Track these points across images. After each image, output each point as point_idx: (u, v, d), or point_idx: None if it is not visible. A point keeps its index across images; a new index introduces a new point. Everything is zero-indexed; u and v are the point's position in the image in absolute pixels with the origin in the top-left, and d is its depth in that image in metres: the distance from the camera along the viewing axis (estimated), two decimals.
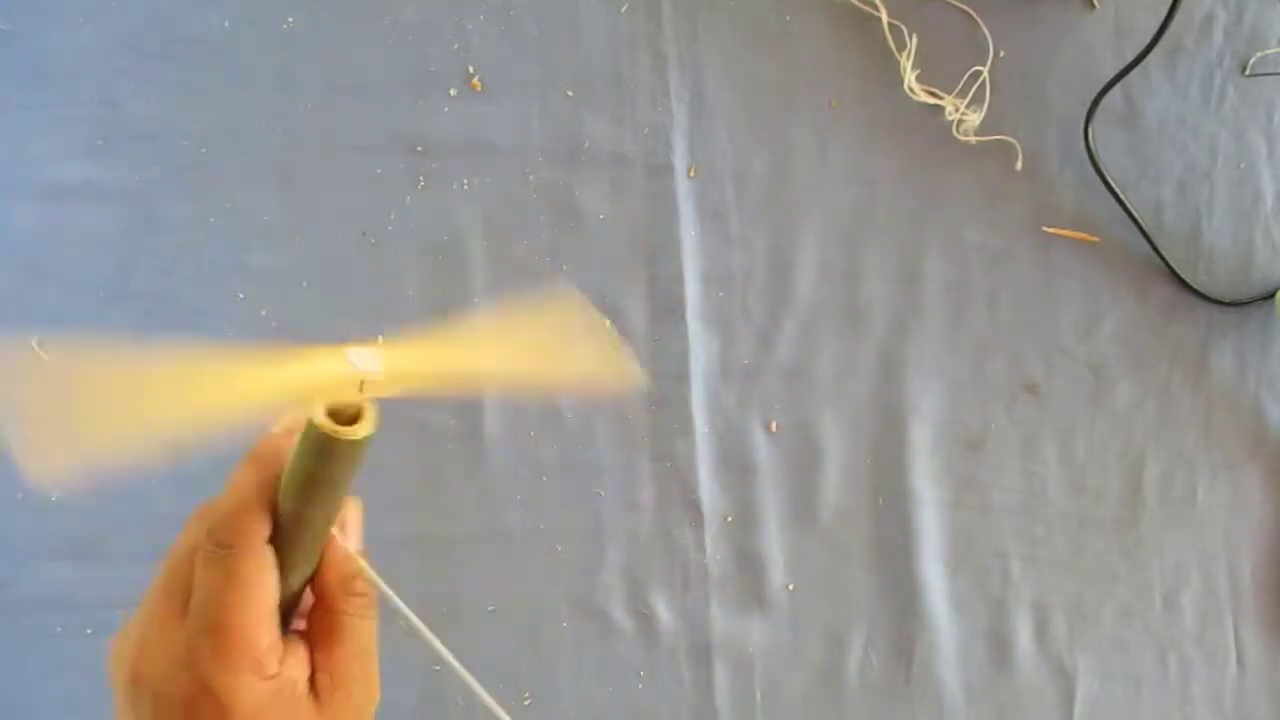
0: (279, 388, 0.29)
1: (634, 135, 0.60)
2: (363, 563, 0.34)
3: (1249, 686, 0.61)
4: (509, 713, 0.57)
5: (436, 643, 0.34)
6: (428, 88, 0.60)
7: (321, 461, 0.31)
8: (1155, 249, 0.61)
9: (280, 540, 0.33)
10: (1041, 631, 0.60)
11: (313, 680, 0.33)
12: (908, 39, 0.60)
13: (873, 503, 0.60)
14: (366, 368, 0.30)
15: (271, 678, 0.32)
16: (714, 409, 0.60)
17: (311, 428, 0.30)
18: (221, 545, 0.32)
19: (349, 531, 0.36)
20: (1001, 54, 0.61)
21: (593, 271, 0.60)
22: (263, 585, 0.32)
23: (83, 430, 0.29)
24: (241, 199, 0.59)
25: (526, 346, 0.33)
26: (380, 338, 0.59)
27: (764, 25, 0.61)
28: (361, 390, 0.30)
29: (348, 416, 0.31)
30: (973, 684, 0.60)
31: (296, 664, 0.33)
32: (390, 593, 0.34)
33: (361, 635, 0.35)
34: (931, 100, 0.60)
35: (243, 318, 0.59)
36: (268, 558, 0.32)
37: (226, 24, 0.60)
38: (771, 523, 0.60)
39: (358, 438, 0.30)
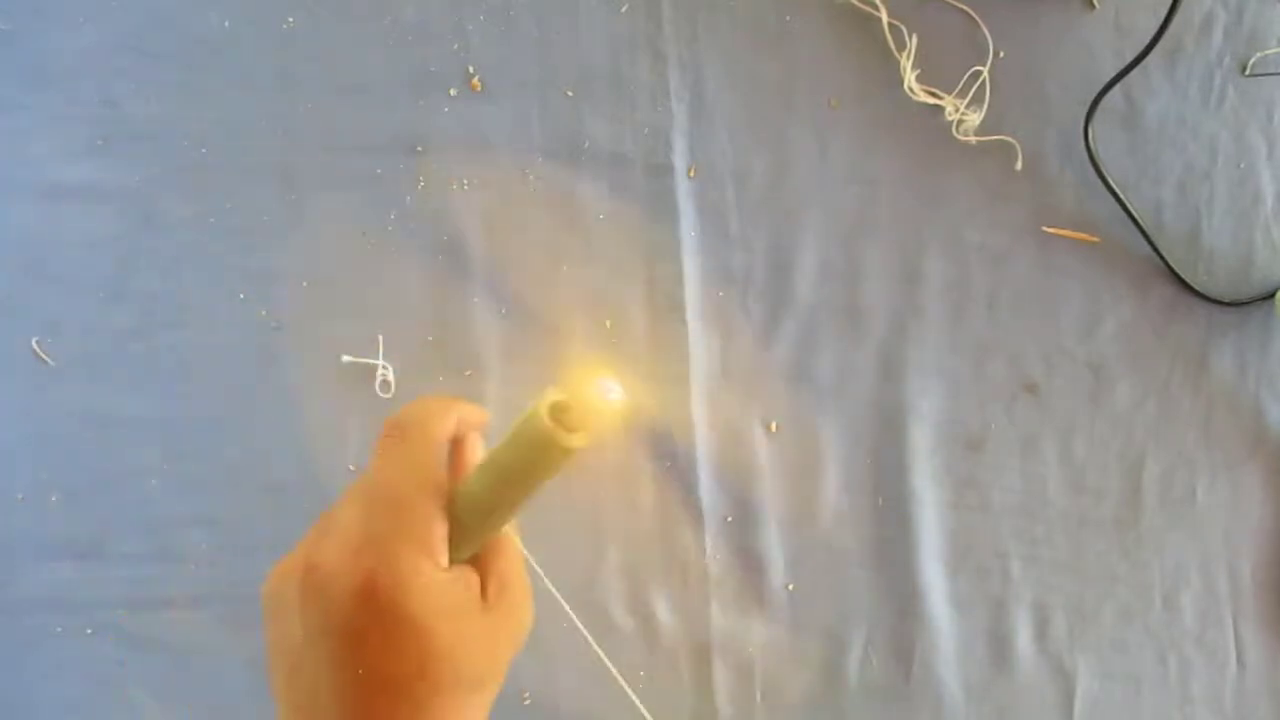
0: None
1: (634, 135, 0.60)
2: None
3: (1249, 686, 0.61)
4: (509, 713, 0.57)
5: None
6: (428, 88, 0.60)
7: (527, 454, 0.32)
8: (1155, 249, 0.61)
9: (455, 521, 0.34)
10: (1041, 631, 0.60)
11: (483, 587, 0.34)
12: (908, 39, 0.60)
13: (873, 503, 0.60)
14: (611, 399, 0.32)
15: (446, 568, 0.33)
16: (714, 409, 0.60)
17: (532, 419, 0.32)
18: (402, 431, 0.34)
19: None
20: (1001, 54, 0.61)
21: (593, 271, 0.60)
22: (439, 477, 0.33)
23: None
24: (241, 199, 0.59)
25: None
26: (381, 336, 0.59)
27: (764, 25, 0.61)
28: (594, 415, 0.32)
29: (566, 424, 0.32)
30: (973, 684, 0.60)
31: (468, 570, 0.34)
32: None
33: (519, 551, 0.36)
34: (931, 100, 0.60)
35: (243, 318, 0.59)
36: (444, 454, 0.34)
37: (226, 24, 0.60)
38: (771, 523, 0.60)
39: (572, 445, 0.32)
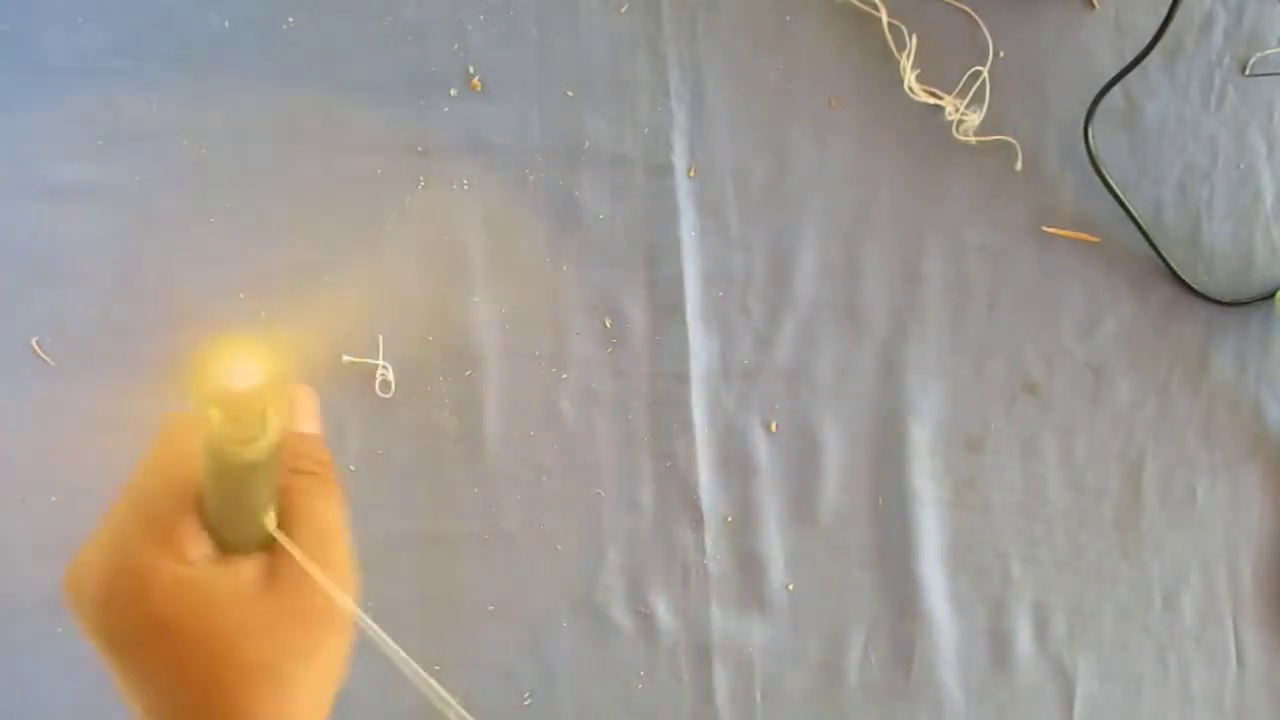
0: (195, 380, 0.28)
1: (634, 135, 0.60)
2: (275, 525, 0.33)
3: (1249, 686, 0.61)
4: (509, 713, 0.57)
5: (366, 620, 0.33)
6: (428, 88, 0.60)
7: (222, 470, 0.30)
8: (1155, 249, 0.61)
9: (206, 516, 0.32)
10: (1041, 631, 0.60)
11: (268, 568, 0.33)
12: (908, 39, 0.60)
13: (873, 503, 0.60)
14: (244, 377, 0.27)
15: (191, 563, 0.32)
16: (714, 409, 0.60)
17: (208, 440, 0.29)
18: (158, 434, 0.33)
19: (299, 415, 0.36)
20: (1001, 54, 0.61)
21: (593, 271, 0.60)
22: (184, 478, 0.32)
23: None
24: (241, 199, 0.59)
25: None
26: (381, 336, 0.59)
27: (764, 25, 0.61)
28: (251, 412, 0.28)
29: (250, 427, 0.28)
30: (973, 684, 0.60)
31: (243, 561, 0.32)
32: (297, 551, 0.32)
33: (316, 516, 0.33)
34: (931, 100, 0.60)
35: (243, 318, 0.59)
36: (191, 460, 0.32)
37: (226, 24, 0.60)
38: (771, 523, 0.60)
39: (248, 460, 0.29)
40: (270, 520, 0.32)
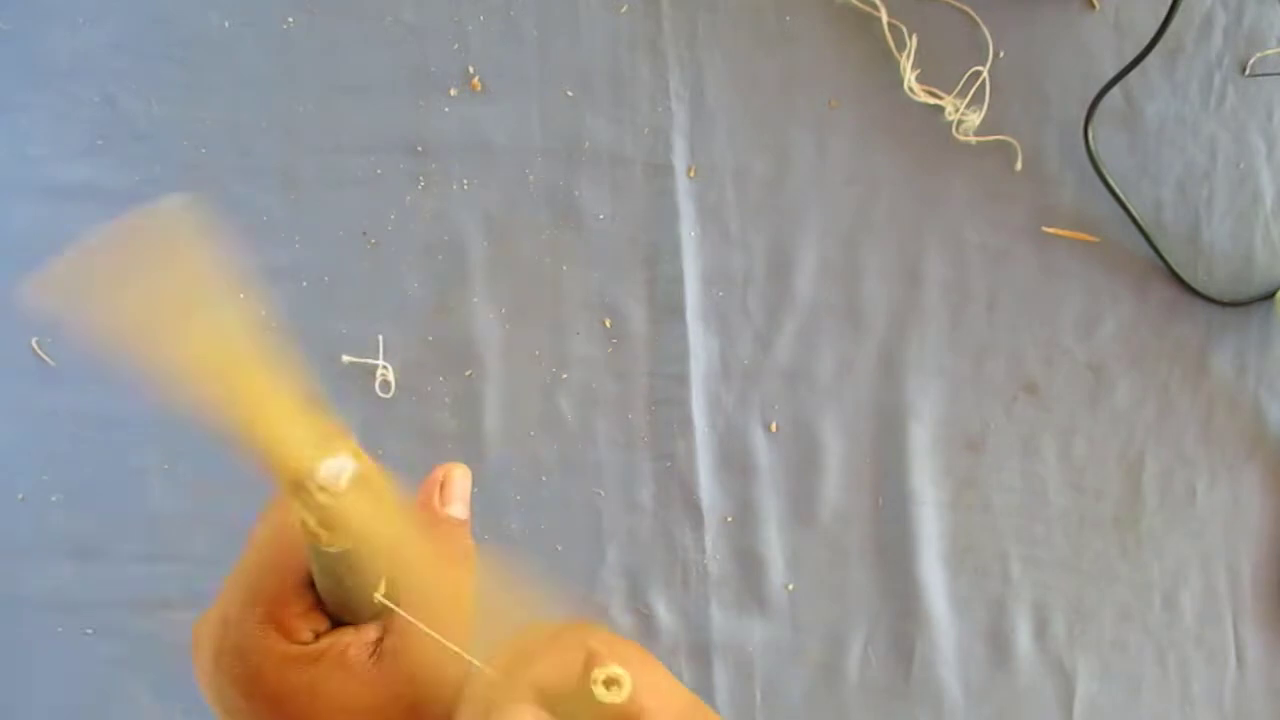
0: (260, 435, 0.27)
1: (634, 135, 0.60)
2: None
3: (1249, 686, 0.61)
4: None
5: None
6: (428, 88, 0.60)
7: (321, 558, 0.30)
8: (1155, 249, 0.61)
9: (320, 594, 0.33)
10: (1041, 631, 0.60)
11: (381, 644, 0.33)
12: (908, 39, 0.60)
13: (873, 503, 0.60)
14: (334, 477, 0.26)
15: (302, 643, 0.32)
16: (714, 409, 0.60)
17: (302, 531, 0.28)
18: (271, 506, 0.33)
19: (447, 496, 0.36)
20: (1001, 54, 0.61)
21: (593, 271, 0.60)
22: (294, 554, 0.32)
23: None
24: (241, 199, 0.59)
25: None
26: (381, 336, 0.59)
27: (764, 25, 0.61)
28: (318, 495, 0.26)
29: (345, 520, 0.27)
30: (973, 684, 0.60)
31: (352, 633, 0.33)
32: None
33: (447, 603, 0.34)
34: (931, 100, 0.60)
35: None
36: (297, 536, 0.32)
37: (226, 24, 0.60)
38: (771, 523, 0.60)
39: (334, 549, 0.28)
40: (380, 594, 0.32)
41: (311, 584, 0.33)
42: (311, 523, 0.27)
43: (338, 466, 0.26)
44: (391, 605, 0.32)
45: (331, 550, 0.28)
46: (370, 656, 0.33)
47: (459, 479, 0.38)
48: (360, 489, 0.27)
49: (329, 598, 0.33)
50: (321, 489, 0.26)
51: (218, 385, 0.27)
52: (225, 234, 0.28)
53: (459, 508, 0.37)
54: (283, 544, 0.33)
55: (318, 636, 0.33)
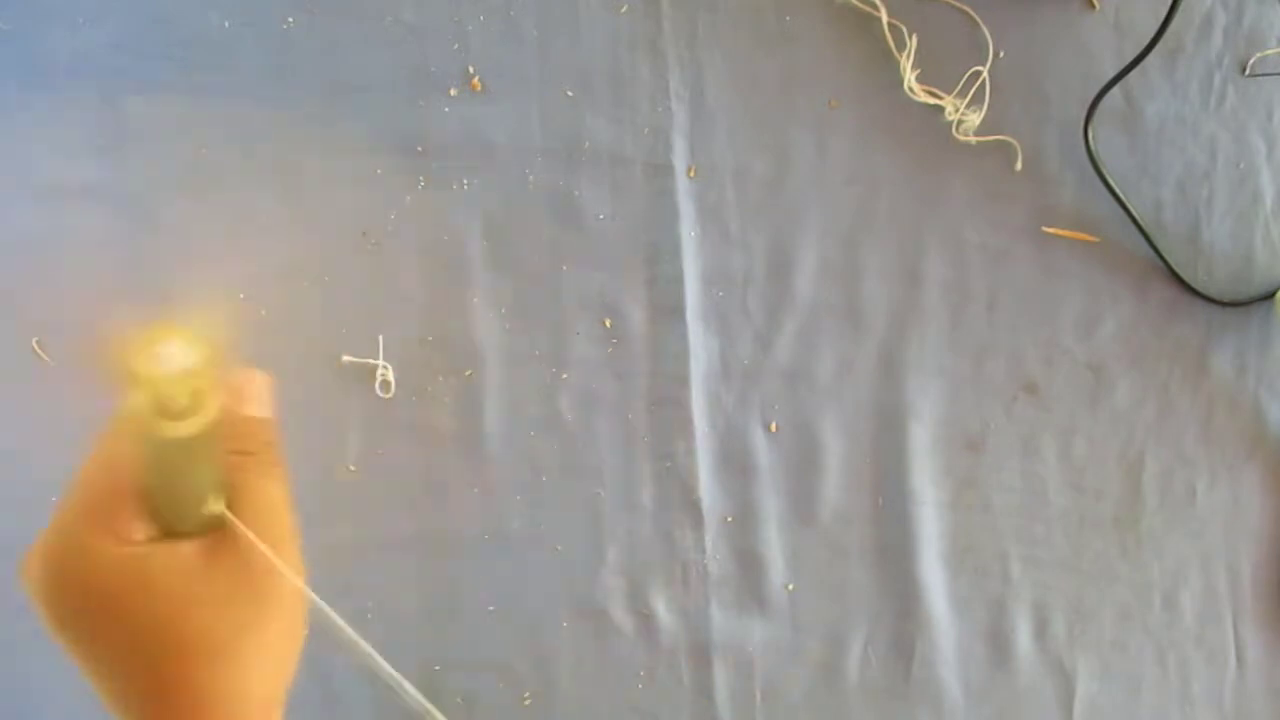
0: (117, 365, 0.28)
1: (634, 135, 0.60)
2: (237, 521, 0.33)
3: (1249, 686, 0.61)
4: (509, 713, 0.57)
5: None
6: (428, 88, 0.60)
7: (154, 449, 0.31)
8: (1155, 249, 0.61)
9: (150, 500, 0.33)
10: (1041, 631, 0.60)
11: (210, 545, 0.33)
12: (908, 39, 0.60)
13: (873, 503, 0.60)
14: (169, 360, 0.28)
15: (132, 543, 0.32)
16: (714, 409, 0.60)
17: (138, 419, 0.29)
18: (113, 419, 0.33)
19: (246, 397, 0.36)
20: (1001, 54, 0.61)
21: (593, 271, 0.60)
22: (124, 464, 0.32)
23: None
24: (241, 199, 0.59)
25: None
26: (381, 336, 0.59)
27: (764, 25, 0.61)
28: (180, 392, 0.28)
29: (181, 406, 0.29)
30: (973, 684, 0.60)
31: (177, 542, 0.33)
32: (248, 537, 0.33)
33: (259, 494, 0.34)
34: (931, 100, 0.60)
35: (243, 318, 0.59)
36: (129, 448, 0.32)
37: (226, 24, 0.60)
38: (771, 523, 0.60)
39: (175, 437, 0.29)
40: (213, 501, 0.33)
41: (140, 494, 0.33)
42: (148, 408, 0.28)
43: (172, 350, 0.28)
44: (228, 515, 0.33)
45: (169, 438, 0.29)
46: (202, 553, 0.33)
47: (257, 380, 0.38)
48: (195, 375, 0.28)
49: (161, 502, 0.33)
50: (159, 374, 0.28)
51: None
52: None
53: (259, 407, 0.37)
54: (113, 452, 0.33)
55: (149, 541, 0.33)
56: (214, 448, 0.32)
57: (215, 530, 0.33)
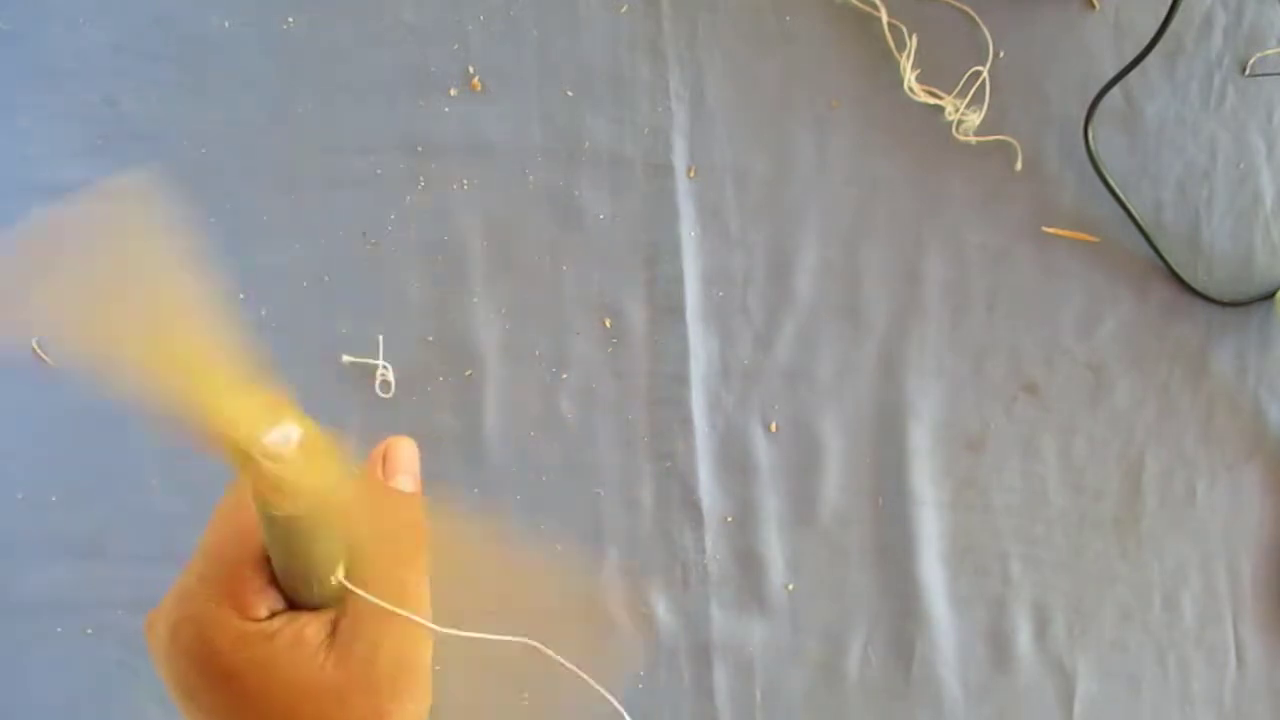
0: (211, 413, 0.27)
1: (634, 135, 0.60)
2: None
3: (1249, 686, 0.61)
4: (509, 713, 0.57)
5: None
6: (428, 88, 0.60)
7: (272, 525, 0.30)
8: (1155, 249, 0.61)
9: (276, 573, 0.32)
10: (1041, 631, 0.60)
11: (338, 625, 0.32)
12: (908, 39, 0.60)
13: (873, 503, 0.60)
14: (280, 444, 0.27)
15: (256, 619, 0.31)
16: (714, 409, 0.60)
17: (254, 496, 0.28)
18: (230, 488, 0.33)
19: (392, 469, 0.35)
20: (1001, 54, 0.61)
21: (593, 271, 0.60)
22: (251, 532, 0.31)
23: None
24: (241, 199, 0.59)
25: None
26: (381, 336, 0.59)
27: (764, 25, 0.61)
28: (269, 459, 0.27)
29: (294, 483, 0.28)
30: (973, 684, 0.60)
31: (309, 615, 0.32)
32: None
33: (394, 585, 0.32)
34: (931, 100, 0.60)
35: (243, 318, 0.59)
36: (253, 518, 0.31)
37: (226, 24, 0.60)
38: (771, 523, 0.60)
39: (296, 513, 0.28)
40: (339, 576, 0.32)
41: (268, 561, 0.32)
42: (262, 489, 0.27)
43: (283, 433, 0.27)
44: (349, 585, 0.31)
45: (282, 515, 0.28)
46: (327, 637, 0.32)
47: (403, 450, 0.36)
48: (307, 455, 0.27)
49: (283, 574, 0.32)
50: (268, 456, 0.26)
51: (159, 362, 0.27)
52: (178, 209, 0.28)
53: (405, 480, 0.36)
54: (240, 520, 0.32)
55: (273, 616, 0.32)
56: (337, 523, 0.30)
57: (344, 605, 0.32)
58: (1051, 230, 0.61)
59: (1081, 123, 0.60)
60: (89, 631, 0.58)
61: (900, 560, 0.60)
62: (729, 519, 0.60)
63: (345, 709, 0.31)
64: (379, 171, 0.60)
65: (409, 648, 0.32)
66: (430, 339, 0.59)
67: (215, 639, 0.31)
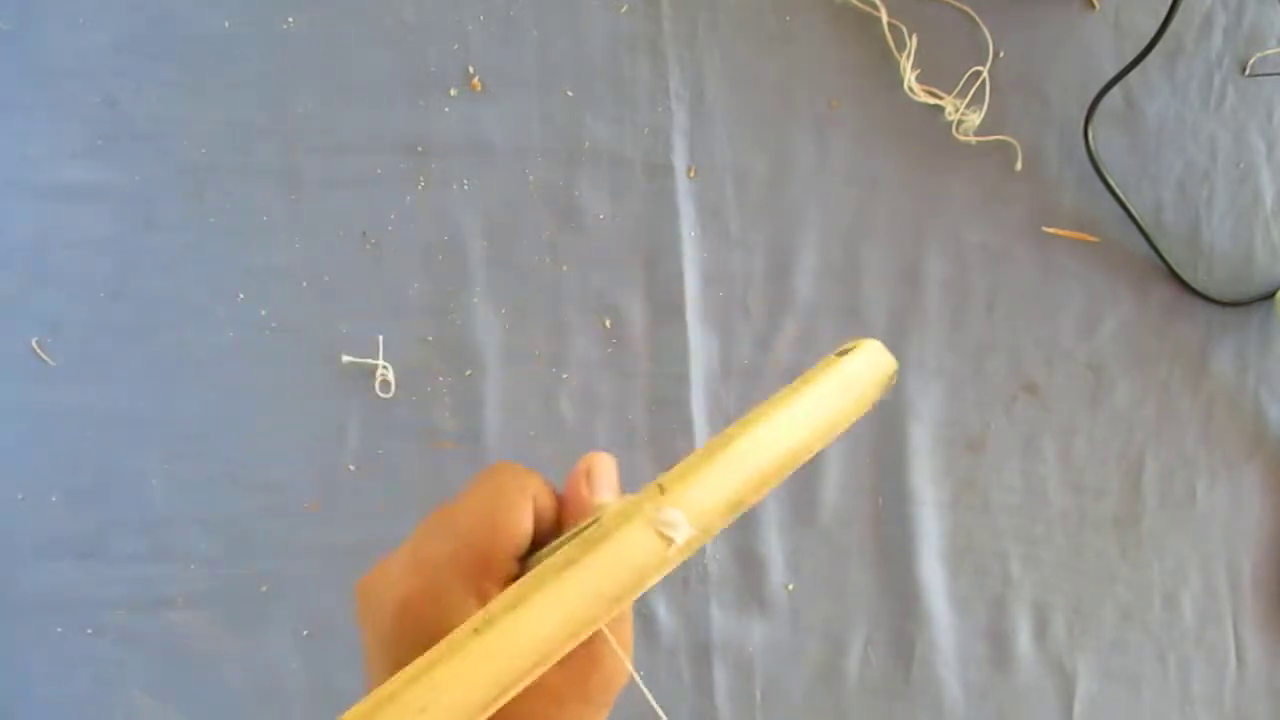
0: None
1: (634, 135, 0.60)
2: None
3: (1249, 686, 0.61)
4: None
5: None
6: (428, 88, 0.60)
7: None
8: (1155, 249, 0.61)
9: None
10: (1041, 631, 0.60)
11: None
12: (908, 39, 0.60)
13: (873, 503, 0.60)
14: (679, 534, 0.29)
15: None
16: (714, 409, 0.60)
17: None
18: (497, 472, 0.33)
19: (596, 485, 0.36)
20: (1001, 54, 0.61)
21: (593, 271, 0.60)
22: (516, 526, 0.32)
23: None
24: (241, 199, 0.59)
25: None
26: (381, 336, 0.59)
27: (764, 25, 0.61)
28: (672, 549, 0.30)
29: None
30: (973, 684, 0.60)
31: None
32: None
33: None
34: (931, 100, 0.60)
35: (243, 318, 0.59)
36: (529, 508, 0.32)
37: (226, 24, 0.60)
38: (771, 523, 0.60)
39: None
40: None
41: (519, 558, 0.32)
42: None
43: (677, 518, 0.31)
44: (605, 632, 0.32)
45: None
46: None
47: (604, 466, 0.37)
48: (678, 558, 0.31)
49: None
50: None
51: None
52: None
53: (609, 494, 0.36)
54: (503, 512, 0.32)
55: None
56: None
57: None
58: (1051, 230, 0.61)
59: (1081, 123, 0.60)
60: (89, 631, 0.58)
61: (900, 560, 0.60)
62: None
63: (561, 712, 0.31)
64: (379, 171, 0.60)
65: (618, 670, 0.33)
66: (430, 339, 0.59)
67: (453, 620, 0.30)
